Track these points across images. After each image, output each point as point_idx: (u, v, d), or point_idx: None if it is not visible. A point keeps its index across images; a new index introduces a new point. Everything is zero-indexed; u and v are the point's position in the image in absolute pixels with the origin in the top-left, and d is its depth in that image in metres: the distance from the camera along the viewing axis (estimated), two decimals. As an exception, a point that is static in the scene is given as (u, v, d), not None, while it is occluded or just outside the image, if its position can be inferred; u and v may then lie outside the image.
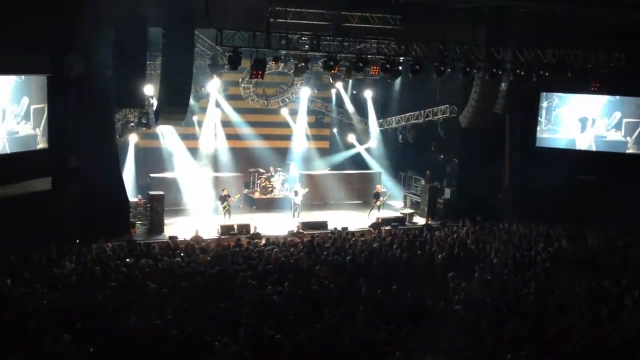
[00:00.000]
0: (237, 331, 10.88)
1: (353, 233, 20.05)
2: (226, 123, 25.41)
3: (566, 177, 22.00)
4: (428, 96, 24.80)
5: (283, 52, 18.81)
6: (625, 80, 21.36)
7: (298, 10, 20.02)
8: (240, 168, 25.41)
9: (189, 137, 24.66)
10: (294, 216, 23.07)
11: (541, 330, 11.81)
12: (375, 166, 27.62)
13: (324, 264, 15.78)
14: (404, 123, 26.32)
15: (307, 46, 18.89)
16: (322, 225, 21.27)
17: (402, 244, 17.97)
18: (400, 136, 26.71)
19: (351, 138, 28.19)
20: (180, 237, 18.84)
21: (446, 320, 12.27)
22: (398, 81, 24.42)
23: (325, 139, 28.79)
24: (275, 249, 16.92)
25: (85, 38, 17.40)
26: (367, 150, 28.03)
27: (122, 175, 20.88)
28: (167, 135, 23.90)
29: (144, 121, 21.25)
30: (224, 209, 22.11)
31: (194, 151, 24.61)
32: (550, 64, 20.44)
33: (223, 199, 22.21)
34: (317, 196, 25.18)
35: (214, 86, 23.25)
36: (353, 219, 22.81)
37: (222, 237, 19.57)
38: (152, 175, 23.42)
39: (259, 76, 18.68)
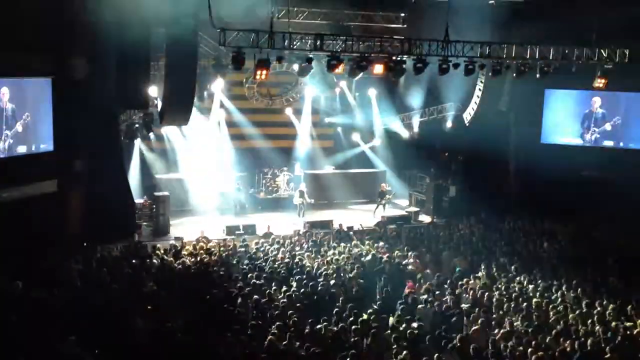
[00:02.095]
0: (243, 333, 10.90)
1: (358, 232, 20.03)
2: (230, 123, 25.43)
3: (570, 173, 21.95)
4: (432, 94, 24.76)
5: (286, 51, 18.80)
6: (629, 76, 21.27)
7: (301, 9, 20.02)
8: (245, 168, 25.43)
9: (194, 138, 24.66)
10: (299, 215, 23.08)
11: (546, 327, 11.81)
12: (380, 165, 27.62)
13: (329, 264, 15.79)
14: (408, 121, 26.29)
15: (310, 45, 18.87)
16: (328, 224, 21.27)
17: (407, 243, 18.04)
18: (406, 134, 26.75)
19: (356, 137, 28.18)
20: (186, 238, 18.88)
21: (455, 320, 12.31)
22: (402, 79, 24.38)
23: (330, 138, 28.76)
24: (281, 249, 16.94)
25: (89, 40, 17.42)
26: (372, 148, 28.03)
27: (127, 176, 20.93)
28: (172, 136, 23.94)
29: (148, 122, 21.27)
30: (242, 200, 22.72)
31: (198, 152, 24.61)
32: (554, 60, 20.38)
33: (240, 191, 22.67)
34: (322, 195, 25.18)
35: (218, 87, 23.29)
36: (358, 218, 22.80)
37: (228, 237, 19.57)
38: (157, 176, 23.47)
39: (263, 76, 18.69)
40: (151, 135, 22.75)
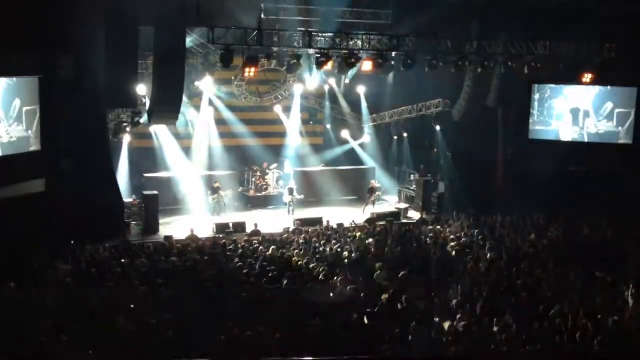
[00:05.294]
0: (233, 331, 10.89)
1: (348, 228, 20.07)
2: (219, 121, 25.38)
3: (559, 168, 22.05)
4: (421, 90, 24.83)
5: (275, 48, 18.80)
6: (616, 71, 21.41)
7: (289, 6, 20.00)
8: (234, 166, 25.39)
9: (183, 136, 24.63)
10: (289, 213, 23.08)
11: (535, 320, 11.88)
12: (369, 161, 27.65)
13: (320, 261, 15.81)
14: (397, 117, 26.35)
15: (298, 42, 18.87)
16: (317, 221, 21.28)
17: (396, 239, 18.06)
18: (394, 130, 26.81)
19: (345, 134, 28.20)
20: (176, 237, 18.83)
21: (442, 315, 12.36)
22: (391, 76, 24.41)
23: (319, 135, 28.79)
24: (271, 247, 16.94)
25: (77, 38, 17.34)
26: (361, 145, 28.06)
27: (115, 175, 20.85)
28: (161, 134, 23.86)
29: (136, 120, 21.20)
30: (213, 200, 22.38)
31: (187, 150, 24.58)
32: (542, 55, 20.48)
33: (214, 190, 22.34)
34: (311, 192, 25.16)
35: (206, 84, 23.22)
36: (348, 215, 22.83)
37: (218, 235, 19.55)
38: (145, 175, 23.39)
39: (251, 73, 18.69)
40: (139, 133, 22.68)
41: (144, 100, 20.71)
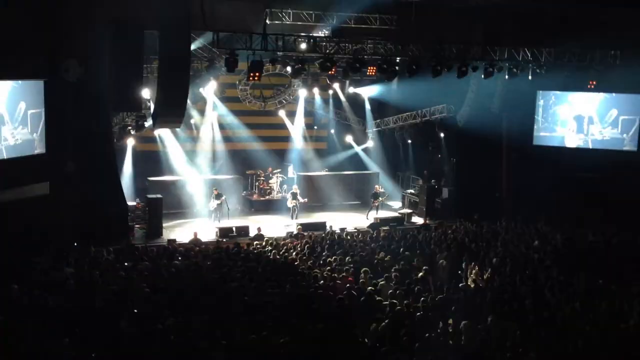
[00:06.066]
0: (235, 335, 10.87)
1: (352, 234, 20.04)
2: (224, 125, 25.43)
3: (563, 175, 22.01)
4: (425, 96, 24.81)
5: (280, 53, 18.81)
6: (621, 78, 21.38)
7: (294, 11, 20.02)
8: (238, 170, 25.42)
9: (187, 140, 24.67)
10: (292, 218, 23.08)
11: (540, 328, 11.83)
12: (373, 167, 27.65)
13: (324, 266, 15.79)
14: (401, 123, 26.35)
15: (303, 47, 18.88)
16: (321, 226, 21.28)
17: (400, 244, 18.02)
18: (398, 136, 26.80)
19: (349, 139, 28.23)
20: (179, 241, 18.83)
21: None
22: (395, 81, 24.43)
23: (323, 140, 28.83)
24: (274, 251, 16.93)
25: (82, 42, 17.39)
26: (365, 150, 28.07)
27: (120, 179, 20.87)
28: (165, 138, 23.89)
29: (141, 124, 21.24)
30: (214, 207, 22.32)
31: (191, 154, 24.61)
32: (547, 62, 20.46)
33: (216, 196, 22.42)
34: (315, 197, 25.18)
35: (211, 89, 23.27)
36: (352, 220, 22.82)
37: (221, 239, 19.55)
38: (150, 178, 23.42)
39: (256, 78, 18.71)
40: (144, 137, 22.71)
41: (148, 104, 20.76)
